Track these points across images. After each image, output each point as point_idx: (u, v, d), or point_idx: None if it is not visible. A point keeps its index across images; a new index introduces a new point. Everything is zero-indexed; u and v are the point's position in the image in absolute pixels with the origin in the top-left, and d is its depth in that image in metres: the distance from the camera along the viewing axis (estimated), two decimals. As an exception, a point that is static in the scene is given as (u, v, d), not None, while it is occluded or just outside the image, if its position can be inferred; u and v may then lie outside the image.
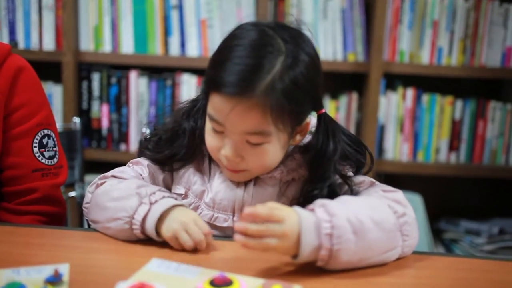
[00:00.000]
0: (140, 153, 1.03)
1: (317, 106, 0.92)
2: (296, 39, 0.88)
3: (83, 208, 0.98)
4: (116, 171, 1.00)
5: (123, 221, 0.87)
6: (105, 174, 0.99)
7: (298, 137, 0.94)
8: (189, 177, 0.99)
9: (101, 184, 0.96)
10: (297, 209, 0.79)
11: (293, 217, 0.78)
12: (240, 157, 0.89)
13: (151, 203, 0.86)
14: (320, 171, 0.91)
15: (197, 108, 0.98)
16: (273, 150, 0.89)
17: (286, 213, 0.78)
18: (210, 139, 0.92)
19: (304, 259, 0.78)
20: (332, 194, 0.89)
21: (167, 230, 0.85)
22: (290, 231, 0.76)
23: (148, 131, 1.04)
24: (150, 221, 0.85)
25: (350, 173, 0.95)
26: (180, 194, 0.99)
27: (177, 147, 0.97)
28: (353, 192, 0.92)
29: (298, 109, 0.87)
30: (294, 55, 0.86)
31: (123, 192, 0.89)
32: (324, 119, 0.93)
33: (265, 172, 0.94)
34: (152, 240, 0.87)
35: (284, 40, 0.86)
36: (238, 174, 0.93)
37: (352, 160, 0.95)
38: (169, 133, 0.99)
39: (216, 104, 0.87)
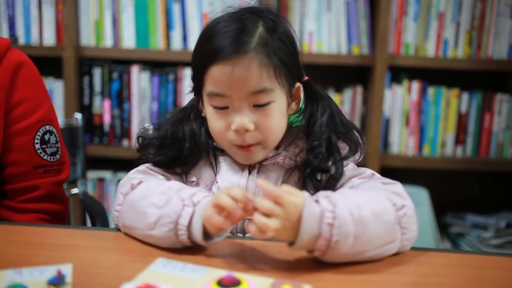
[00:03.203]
0: (141, 158, 1.00)
1: (300, 74, 0.97)
2: (267, 10, 0.94)
3: (113, 211, 0.91)
4: (148, 164, 0.97)
5: (167, 228, 0.81)
6: (139, 168, 0.97)
7: (293, 106, 0.97)
8: (200, 169, 0.99)
9: (138, 184, 0.90)
10: (306, 195, 0.77)
11: (297, 202, 0.76)
12: (251, 123, 0.89)
13: (194, 205, 0.82)
14: (315, 129, 0.94)
15: (188, 115, 0.99)
16: (279, 110, 0.92)
17: (291, 198, 0.75)
18: (216, 123, 0.92)
19: (301, 246, 0.76)
20: (332, 151, 0.92)
21: (208, 212, 0.78)
22: (288, 216, 0.74)
23: (135, 143, 1.02)
24: (196, 222, 0.80)
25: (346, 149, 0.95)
26: (192, 182, 0.98)
27: (177, 151, 0.97)
28: (342, 160, 0.93)
29: (291, 64, 0.92)
30: (272, 20, 0.92)
31: (163, 195, 0.84)
32: (309, 84, 0.97)
33: (275, 141, 0.94)
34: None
35: (256, 13, 0.93)
36: (251, 152, 0.92)
37: (344, 128, 0.95)
38: (168, 139, 0.97)
39: (216, 75, 0.88)
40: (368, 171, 0.95)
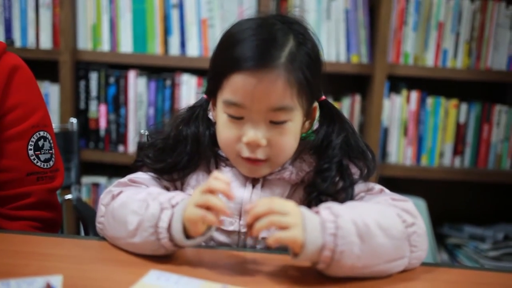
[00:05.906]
0: (139, 161, 0.98)
1: (319, 94, 0.94)
2: (297, 23, 0.91)
3: (97, 224, 0.90)
4: (132, 175, 0.95)
5: (147, 233, 0.80)
6: (120, 180, 0.94)
7: (307, 125, 0.94)
8: (198, 178, 0.96)
9: (118, 194, 0.89)
10: (302, 208, 0.77)
11: (298, 213, 0.75)
12: (264, 139, 0.86)
13: (172, 206, 0.80)
14: (328, 151, 0.91)
15: (196, 114, 0.96)
16: (294, 130, 0.89)
17: (290, 207, 0.75)
18: (227, 131, 0.89)
19: (305, 258, 0.75)
20: (343, 175, 0.90)
21: (191, 211, 0.77)
22: (296, 221, 0.74)
23: (144, 139, 0.99)
24: (176, 223, 0.78)
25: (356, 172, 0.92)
26: (189, 195, 0.95)
27: (178, 155, 0.94)
28: (354, 181, 0.91)
29: (315, 83, 0.89)
30: (302, 33, 0.89)
31: (143, 202, 0.83)
32: (326, 105, 0.95)
33: (283, 160, 0.92)
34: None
35: (286, 23, 0.89)
36: (258, 167, 0.89)
37: (358, 152, 0.93)
38: (170, 141, 0.95)
39: (238, 85, 0.85)
40: (377, 187, 0.93)
